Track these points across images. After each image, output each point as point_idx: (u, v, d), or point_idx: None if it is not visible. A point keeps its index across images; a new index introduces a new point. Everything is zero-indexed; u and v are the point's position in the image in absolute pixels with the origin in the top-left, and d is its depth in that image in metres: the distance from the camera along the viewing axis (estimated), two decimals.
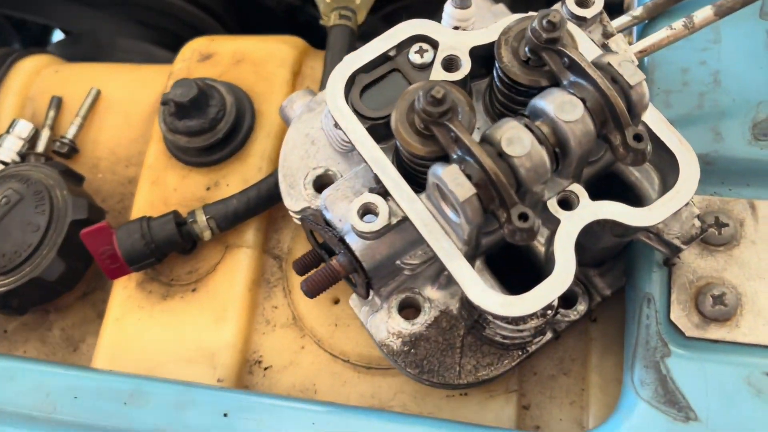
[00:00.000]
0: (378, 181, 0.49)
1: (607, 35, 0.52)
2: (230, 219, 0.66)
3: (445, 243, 0.46)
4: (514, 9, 0.62)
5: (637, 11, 0.60)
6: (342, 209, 0.53)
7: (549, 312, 0.51)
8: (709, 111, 0.57)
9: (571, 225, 0.46)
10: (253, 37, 0.80)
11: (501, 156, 0.43)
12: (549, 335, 0.58)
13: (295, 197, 0.60)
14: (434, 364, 0.57)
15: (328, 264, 0.53)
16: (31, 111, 0.84)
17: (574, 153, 0.44)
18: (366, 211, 0.48)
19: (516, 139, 0.43)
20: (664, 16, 0.61)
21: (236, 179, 0.71)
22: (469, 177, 0.43)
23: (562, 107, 0.44)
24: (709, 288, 0.52)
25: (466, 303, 0.55)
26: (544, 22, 0.45)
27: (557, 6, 0.52)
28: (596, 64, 0.45)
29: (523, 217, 0.43)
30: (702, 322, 0.52)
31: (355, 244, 0.52)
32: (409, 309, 0.59)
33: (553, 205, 0.47)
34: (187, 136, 0.69)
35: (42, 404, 0.55)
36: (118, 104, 0.82)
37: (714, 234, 0.54)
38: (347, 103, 0.51)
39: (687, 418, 0.49)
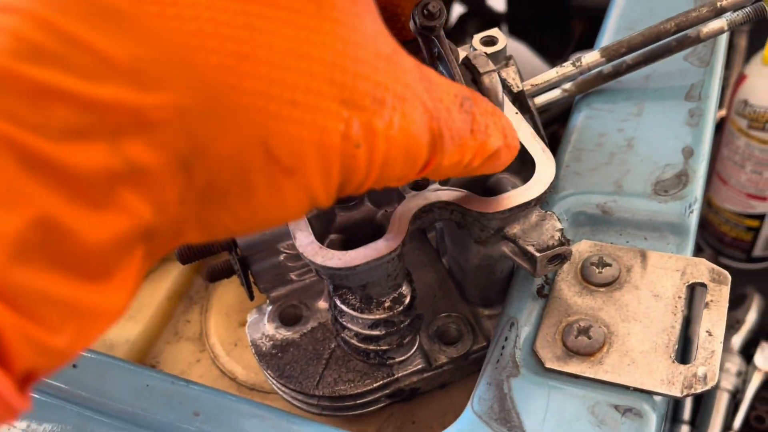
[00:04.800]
0: None
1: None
2: None
3: None
4: None
5: (568, 86, 0.63)
6: None
7: (397, 306, 0.50)
8: (616, 167, 0.57)
9: (413, 202, 0.47)
10: None
11: None
12: (420, 363, 0.55)
13: None
14: (296, 370, 0.55)
15: None
16: None
17: None
18: None
19: None
20: (593, 93, 0.64)
21: None
22: None
23: None
24: (578, 321, 0.49)
25: (328, 298, 0.54)
26: (424, 9, 0.48)
27: (466, 45, 0.57)
28: (461, 62, 0.48)
29: None
30: (564, 354, 0.48)
31: None
32: (291, 318, 0.59)
33: (403, 185, 0.48)
34: None
35: None
36: None
37: (594, 272, 0.51)
38: None
39: None
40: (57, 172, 0.23)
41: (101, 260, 0.25)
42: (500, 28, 1.84)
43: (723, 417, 1.02)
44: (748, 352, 1.09)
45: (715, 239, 1.23)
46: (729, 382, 1.04)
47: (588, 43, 1.62)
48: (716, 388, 1.04)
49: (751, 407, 1.05)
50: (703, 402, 1.05)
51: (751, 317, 1.12)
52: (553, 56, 1.65)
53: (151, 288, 0.70)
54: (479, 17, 1.72)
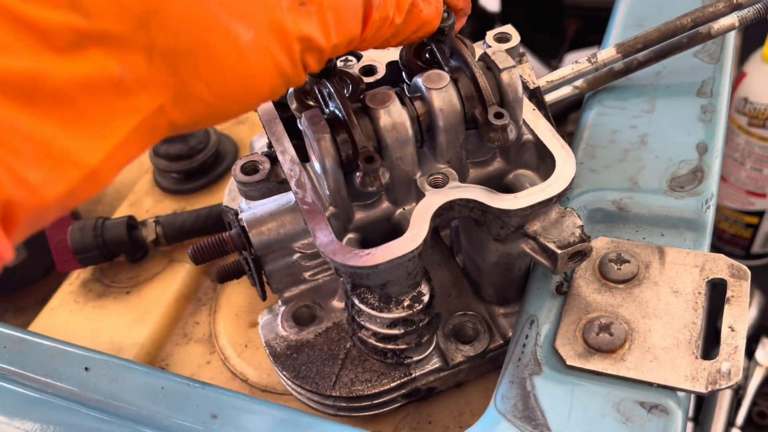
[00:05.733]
0: (271, 146, 0.52)
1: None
2: (177, 230, 0.70)
3: (311, 198, 0.47)
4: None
5: (579, 83, 0.63)
6: None
7: (416, 305, 0.49)
8: (630, 164, 0.57)
9: (433, 200, 0.46)
10: None
11: (365, 110, 0.46)
12: (437, 362, 0.54)
13: (233, 197, 0.64)
14: (312, 371, 0.55)
15: (219, 234, 0.55)
16: None
17: (439, 124, 0.46)
18: (252, 168, 0.51)
19: (379, 95, 0.46)
20: (604, 90, 0.63)
21: None
22: (330, 123, 0.45)
23: (430, 78, 0.46)
24: (599, 318, 0.49)
25: (345, 297, 0.54)
26: None
27: (480, 43, 0.57)
28: (479, 58, 0.48)
29: (369, 159, 0.44)
30: (585, 351, 0.48)
31: (245, 214, 0.54)
32: (305, 318, 0.58)
33: (422, 183, 0.48)
34: (167, 160, 0.76)
35: None
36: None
37: (613, 268, 0.51)
38: None
39: None
40: (28, 25, 0.27)
41: (70, 101, 0.28)
42: (494, 28, 1.82)
43: (726, 413, 1.03)
44: (749, 348, 1.10)
45: (713, 236, 1.23)
46: None
47: (581, 43, 1.63)
48: None
49: (753, 403, 1.06)
50: (706, 399, 1.05)
51: (752, 313, 1.13)
52: (547, 55, 1.65)
53: (158, 290, 0.69)
54: (473, 17, 1.72)
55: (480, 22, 1.71)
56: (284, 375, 0.55)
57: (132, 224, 0.70)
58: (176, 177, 0.77)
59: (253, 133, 0.82)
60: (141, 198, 0.78)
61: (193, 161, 0.76)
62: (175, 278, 0.70)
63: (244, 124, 0.84)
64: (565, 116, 1.30)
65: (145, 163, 0.83)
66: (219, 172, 0.78)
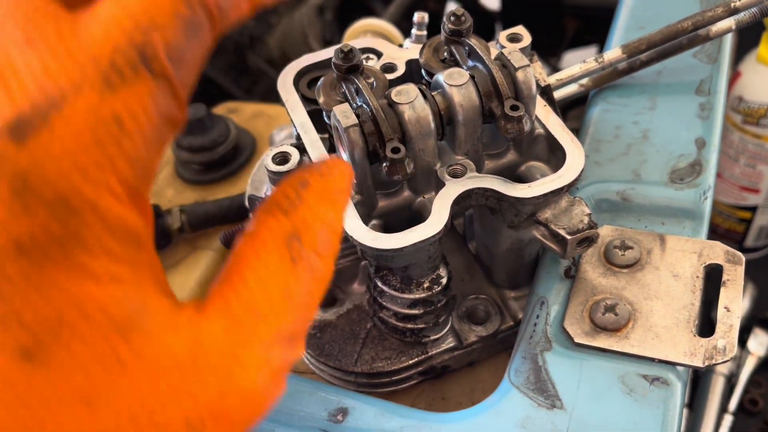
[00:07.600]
0: (299, 138, 0.55)
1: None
2: (201, 218, 0.73)
3: None
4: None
5: (584, 81, 0.67)
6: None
7: (435, 287, 0.53)
8: (633, 157, 0.61)
9: (453, 189, 0.50)
10: (273, 105, 0.93)
11: (391, 105, 0.49)
12: (452, 341, 0.58)
13: (255, 187, 0.68)
14: (335, 349, 0.58)
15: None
16: None
17: (458, 118, 0.50)
18: (282, 159, 0.54)
19: (404, 91, 0.49)
20: (608, 88, 0.67)
21: None
22: (358, 116, 0.49)
23: (451, 75, 0.50)
24: (604, 299, 0.52)
25: (367, 280, 0.57)
26: (451, 16, 0.53)
27: (492, 42, 0.61)
28: (495, 58, 0.52)
29: (396, 150, 0.47)
30: (592, 330, 0.51)
31: None
32: (327, 300, 0.62)
33: (442, 173, 0.51)
34: (188, 152, 0.79)
35: None
36: None
37: (617, 254, 0.55)
38: (296, 89, 0.59)
39: (552, 406, 0.47)
40: None
41: None
42: (495, 27, 1.87)
43: (719, 400, 1.07)
44: (741, 337, 1.14)
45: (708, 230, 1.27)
46: (725, 366, 1.09)
47: (580, 41, 1.66)
48: (712, 372, 1.09)
49: (745, 391, 1.10)
50: (700, 385, 1.09)
51: (744, 304, 1.17)
52: (546, 54, 1.69)
53: (182, 276, 0.73)
54: (474, 15, 1.75)
55: (480, 20, 1.74)
56: (309, 353, 0.58)
57: (158, 213, 0.74)
58: (197, 168, 0.80)
59: (270, 127, 0.86)
60: (163, 188, 0.82)
61: (214, 153, 0.79)
62: (198, 264, 0.73)
63: (261, 117, 0.88)
64: (565, 113, 1.34)
65: (165, 155, 0.86)
66: (238, 164, 0.81)
